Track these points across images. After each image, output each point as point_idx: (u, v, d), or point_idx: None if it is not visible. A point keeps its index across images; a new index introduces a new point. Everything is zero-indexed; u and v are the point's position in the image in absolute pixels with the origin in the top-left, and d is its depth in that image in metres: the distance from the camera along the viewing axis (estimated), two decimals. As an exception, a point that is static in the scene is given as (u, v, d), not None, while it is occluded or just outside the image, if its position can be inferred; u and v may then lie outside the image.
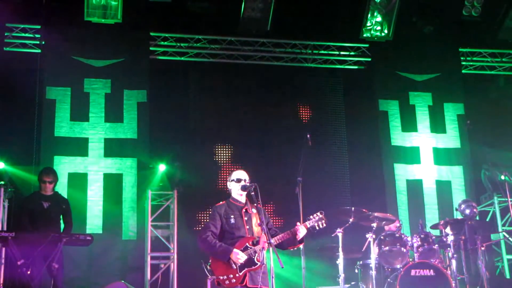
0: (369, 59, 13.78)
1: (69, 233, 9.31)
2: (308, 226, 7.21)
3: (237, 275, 6.86)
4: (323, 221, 7.28)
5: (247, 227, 7.15)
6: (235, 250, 6.89)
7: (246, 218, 7.19)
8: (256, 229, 7.15)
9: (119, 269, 11.42)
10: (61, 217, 9.75)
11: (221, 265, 6.92)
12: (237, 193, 7.32)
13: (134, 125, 12.23)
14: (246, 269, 6.88)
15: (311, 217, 7.29)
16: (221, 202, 7.36)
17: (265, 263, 6.96)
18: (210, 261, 7.07)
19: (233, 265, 6.87)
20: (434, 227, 10.60)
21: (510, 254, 12.20)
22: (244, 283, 6.86)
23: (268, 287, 6.97)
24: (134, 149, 12.10)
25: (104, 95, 12.27)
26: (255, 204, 7.14)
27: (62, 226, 9.73)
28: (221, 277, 6.88)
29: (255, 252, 6.94)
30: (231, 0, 12.63)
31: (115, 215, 11.68)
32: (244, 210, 7.24)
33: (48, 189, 9.73)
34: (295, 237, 7.14)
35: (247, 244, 6.99)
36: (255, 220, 7.19)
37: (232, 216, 7.17)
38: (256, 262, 6.91)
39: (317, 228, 7.25)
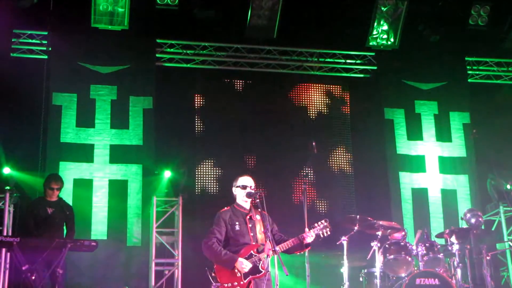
0: (375, 68, 13.79)
1: (72, 238, 9.31)
2: (313, 233, 7.21)
3: (241, 282, 6.85)
4: (328, 229, 7.28)
5: (252, 234, 7.14)
6: (240, 259, 6.88)
7: (250, 225, 7.19)
8: (260, 236, 7.15)
9: (123, 275, 11.41)
10: (64, 223, 9.75)
11: (226, 273, 6.92)
12: (242, 200, 7.32)
13: (140, 132, 12.24)
14: (250, 276, 6.87)
15: (316, 224, 7.29)
16: (226, 208, 7.36)
17: (269, 270, 6.95)
18: (214, 268, 7.06)
19: (238, 273, 6.86)
20: (439, 236, 10.58)
21: (515, 264, 12.16)
22: (249, 291, 6.86)
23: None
24: (140, 156, 12.11)
25: (110, 101, 12.29)
26: (260, 211, 7.15)
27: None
28: (226, 285, 6.87)
29: (260, 259, 6.94)
30: (238, 8, 12.65)
31: (120, 221, 11.68)
32: (248, 217, 7.24)
33: (54, 195, 9.75)
34: (301, 243, 7.15)
35: (251, 251, 6.99)
36: (259, 227, 7.19)
37: (237, 223, 7.17)
38: (261, 269, 6.91)
39: (322, 236, 7.26)
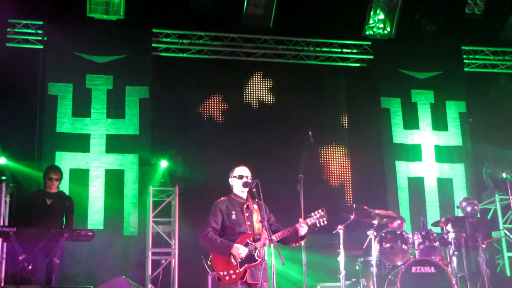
0: (372, 57, 13.77)
1: (70, 229, 9.33)
2: (309, 223, 7.20)
3: (237, 271, 6.86)
4: (324, 219, 7.27)
5: (248, 223, 7.15)
6: (236, 245, 6.90)
7: (247, 214, 7.20)
8: (257, 225, 7.15)
9: (120, 264, 11.42)
10: (64, 214, 9.75)
11: (222, 261, 6.93)
12: (239, 189, 7.32)
13: (136, 121, 12.24)
14: (246, 265, 6.88)
15: (313, 214, 7.28)
16: (222, 198, 7.36)
17: (266, 259, 6.96)
18: (210, 257, 7.08)
19: (234, 261, 6.87)
20: (435, 224, 10.61)
21: (510, 252, 12.18)
22: (245, 279, 6.86)
23: (269, 283, 6.98)
24: (136, 145, 12.11)
25: (106, 91, 12.28)
26: (257, 200, 7.15)
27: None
28: (221, 273, 6.89)
29: (256, 248, 6.95)
30: (234, -3, 12.65)
31: (117, 211, 11.69)
32: (245, 206, 7.24)
33: (53, 186, 9.75)
34: (297, 234, 7.14)
35: (248, 240, 7.00)
36: (256, 216, 7.19)
37: (233, 212, 7.17)
38: (257, 258, 6.92)
39: (318, 225, 7.25)
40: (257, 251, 6.94)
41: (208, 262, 7.07)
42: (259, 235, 7.04)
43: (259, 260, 6.91)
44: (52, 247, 8.64)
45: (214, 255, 7.03)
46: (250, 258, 6.91)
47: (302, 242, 7.51)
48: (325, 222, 7.29)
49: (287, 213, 7.93)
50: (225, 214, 7.17)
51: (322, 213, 7.27)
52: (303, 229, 7.13)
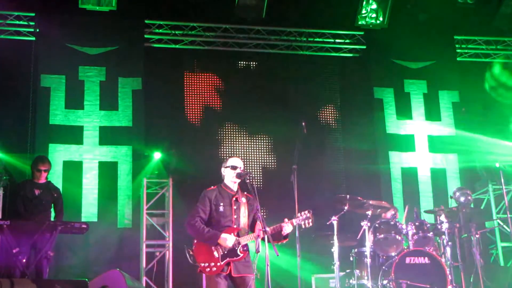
0: (364, 47, 13.77)
1: (61, 221, 9.30)
2: (294, 223, 7.14)
3: (218, 264, 6.83)
4: (310, 220, 7.17)
5: (235, 216, 7.10)
6: (223, 235, 6.86)
7: (235, 207, 7.14)
8: (243, 219, 7.12)
9: (114, 257, 11.43)
10: (52, 205, 9.72)
11: (204, 252, 6.90)
12: (231, 180, 7.26)
13: (129, 113, 12.22)
14: (228, 259, 6.86)
15: (299, 214, 7.20)
16: (212, 187, 7.29)
17: (260, 250, 6.92)
18: (193, 247, 7.05)
19: (216, 254, 6.85)
20: (429, 212, 10.62)
21: (504, 242, 12.23)
22: (228, 272, 6.84)
23: (254, 276, 6.98)
24: (129, 137, 12.10)
25: (99, 83, 12.26)
26: (246, 193, 7.14)
27: (53, 214, 9.71)
28: (202, 264, 6.86)
29: (239, 243, 6.91)
30: (226, -13, 12.59)
31: (110, 203, 11.69)
32: (234, 198, 7.19)
33: (42, 177, 9.70)
34: (281, 232, 7.10)
35: (232, 234, 6.96)
36: (243, 210, 7.15)
37: (221, 204, 7.10)
38: (239, 253, 6.89)
39: (303, 227, 7.16)
40: (240, 246, 6.91)
41: (190, 252, 7.03)
42: (245, 230, 7.03)
43: (241, 255, 6.89)
44: (46, 239, 8.63)
45: (197, 246, 6.99)
46: (232, 252, 6.87)
47: (297, 232, 7.48)
48: (310, 224, 7.20)
49: (280, 204, 7.93)
50: (213, 205, 7.12)
51: (308, 215, 7.19)
52: (287, 228, 7.09)
